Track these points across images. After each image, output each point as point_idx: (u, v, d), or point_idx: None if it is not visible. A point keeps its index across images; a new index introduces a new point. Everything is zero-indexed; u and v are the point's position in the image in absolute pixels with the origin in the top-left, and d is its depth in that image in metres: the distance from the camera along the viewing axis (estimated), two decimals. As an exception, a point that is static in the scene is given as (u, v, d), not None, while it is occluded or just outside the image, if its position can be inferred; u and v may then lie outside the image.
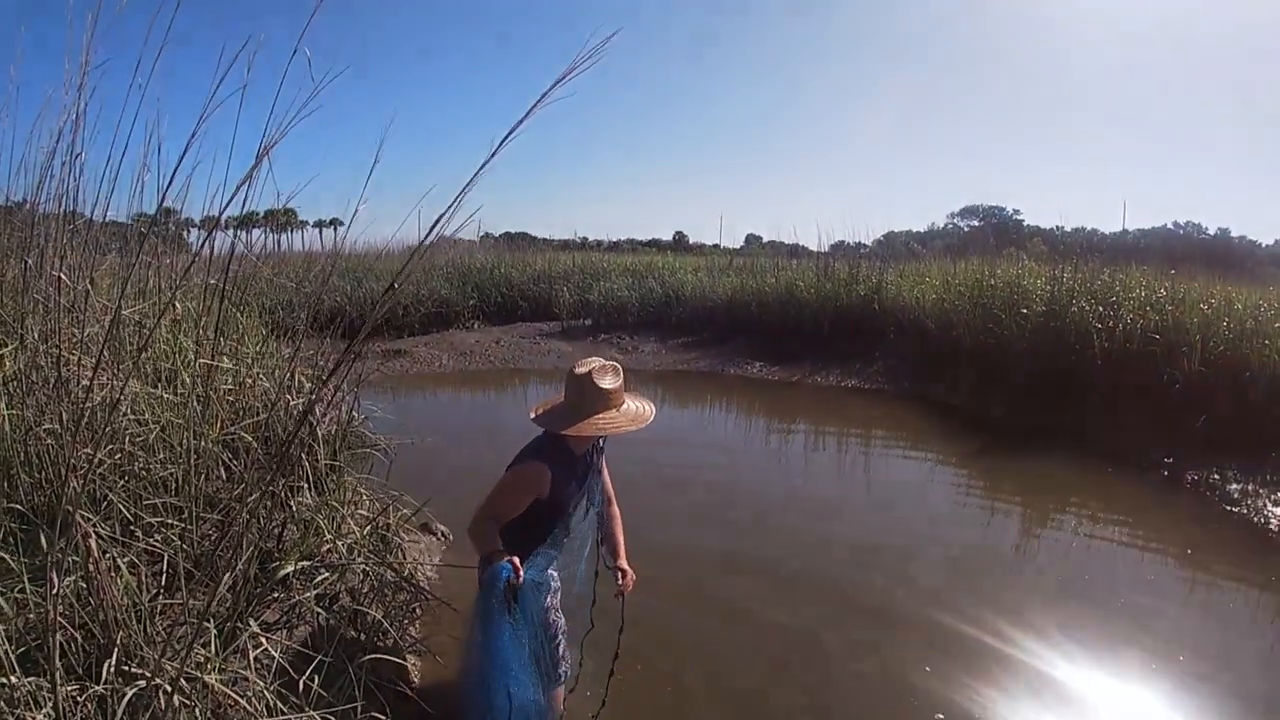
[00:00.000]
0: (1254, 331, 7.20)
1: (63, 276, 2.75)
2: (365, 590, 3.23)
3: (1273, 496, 5.91)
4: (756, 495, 6.18)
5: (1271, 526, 5.53)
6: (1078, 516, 5.86)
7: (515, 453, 2.79)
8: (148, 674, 2.03)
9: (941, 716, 3.26)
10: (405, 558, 4.10)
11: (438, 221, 2.21)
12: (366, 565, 3.31)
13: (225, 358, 3.42)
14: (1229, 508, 5.88)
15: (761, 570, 4.65)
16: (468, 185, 2.12)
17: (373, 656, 2.78)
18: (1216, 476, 6.35)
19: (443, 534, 5.02)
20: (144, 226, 3.60)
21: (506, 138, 2.11)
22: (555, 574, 2.90)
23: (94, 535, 2.07)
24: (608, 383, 2.79)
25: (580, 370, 2.81)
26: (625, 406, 2.84)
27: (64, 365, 2.61)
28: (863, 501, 6.22)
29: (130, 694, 1.98)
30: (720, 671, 3.57)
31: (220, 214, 2.87)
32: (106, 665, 2.06)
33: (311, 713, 2.30)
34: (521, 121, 2.11)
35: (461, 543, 4.94)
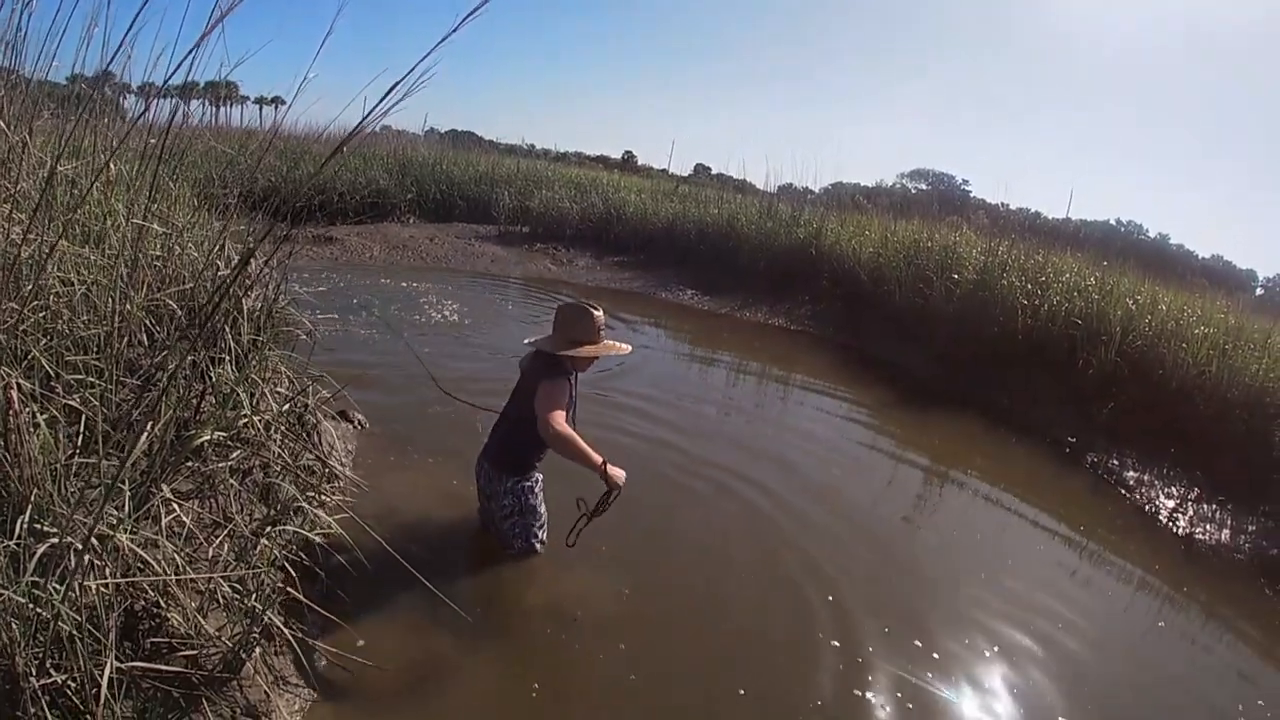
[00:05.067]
0: (1173, 333, 7.43)
1: (1, 125, 2.68)
2: (279, 467, 3.28)
3: (1165, 489, 6.23)
4: (663, 422, 6.17)
5: (1160, 516, 5.85)
6: (977, 479, 6.07)
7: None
8: (60, 532, 2.06)
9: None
10: (321, 440, 4.16)
11: (380, 101, 2.19)
12: (282, 442, 3.36)
13: (156, 223, 3.38)
14: (1123, 492, 6.20)
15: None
16: (416, 65, 2.10)
17: (282, 529, 2.86)
18: (1115, 462, 6.63)
19: (360, 422, 5.06)
20: (85, 86, 3.50)
21: (468, 16, 2.08)
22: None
23: (16, 387, 2.08)
24: (599, 322, 3.61)
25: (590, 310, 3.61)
26: (606, 342, 3.67)
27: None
28: (771, 438, 6.35)
29: (41, 550, 2.01)
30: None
31: (166, 79, 2.80)
32: (20, 521, 2.07)
33: (219, 578, 2.37)
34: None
35: (378, 433, 5.02)
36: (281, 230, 3.40)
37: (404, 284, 10.08)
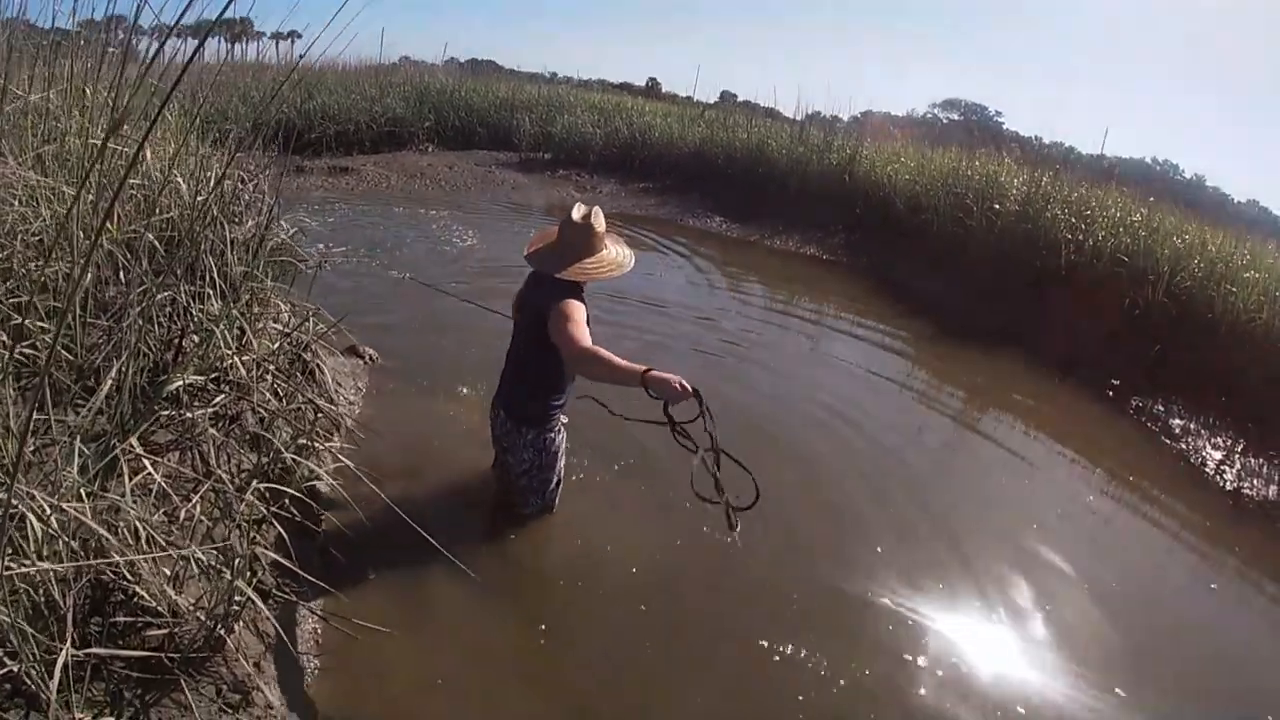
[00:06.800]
0: (1223, 276, 6.98)
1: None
2: (269, 412, 3.00)
3: (1212, 439, 5.87)
4: (687, 354, 5.95)
5: (1207, 468, 5.50)
6: (1015, 418, 5.79)
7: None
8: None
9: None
10: (328, 379, 3.89)
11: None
12: (272, 384, 3.08)
13: (124, 145, 3.06)
14: (1167, 440, 5.85)
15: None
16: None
17: (270, 487, 2.59)
18: (1160, 408, 6.29)
19: (370, 357, 4.81)
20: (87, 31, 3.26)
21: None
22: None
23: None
24: (599, 230, 3.10)
25: (577, 216, 3.08)
26: (607, 251, 3.14)
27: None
28: (800, 373, 6.08)
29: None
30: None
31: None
32: None
33: (194, 548, 2.09)
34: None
35: (390, 368, 4.77)
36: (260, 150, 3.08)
37: (421, 211, 9.82)
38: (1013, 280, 8.17)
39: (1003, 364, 6.87)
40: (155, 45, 4.06)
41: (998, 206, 8.85)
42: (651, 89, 40.11)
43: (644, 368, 2.73)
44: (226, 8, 1.45)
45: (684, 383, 2.75)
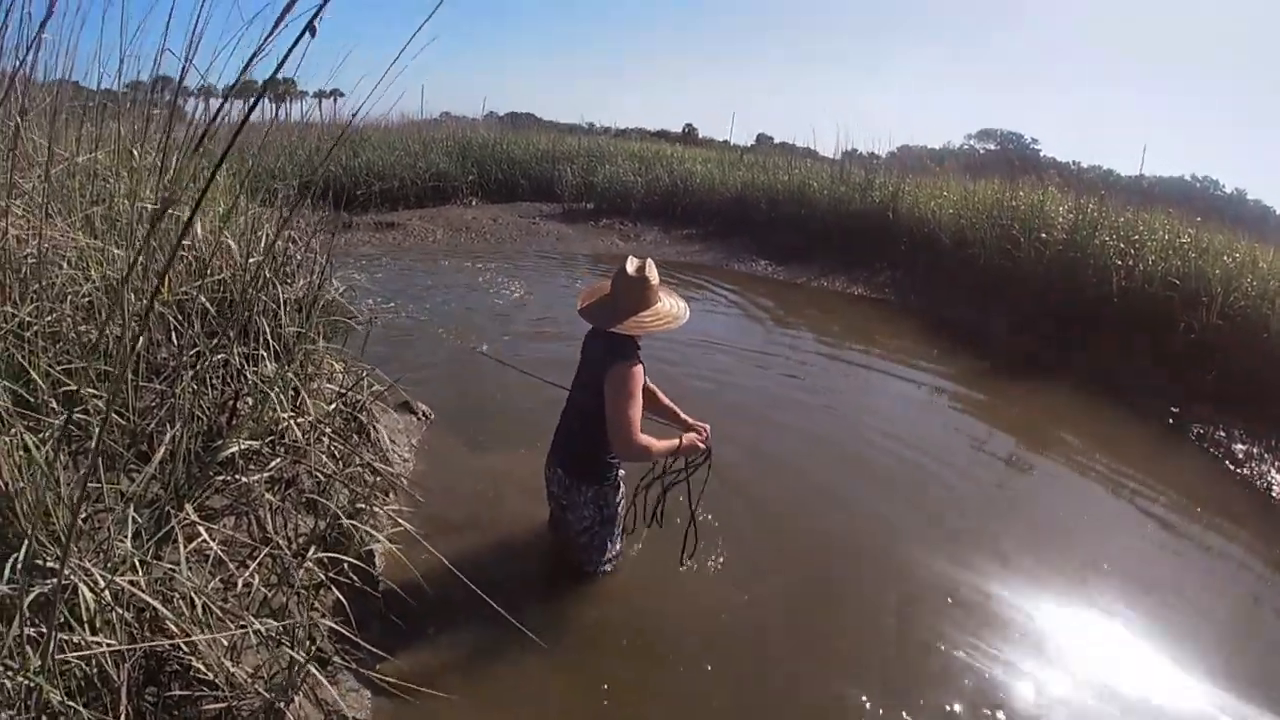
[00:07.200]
0: (1277, 293, 6.78)
1: (18, 120, 2.41)
2: (325, 475, 2.95)
3: (1277, 463, 5.62)
4: (745, 397, 5.92)
5: (1274, 493, 5.27)
6: (1073, 454, 5.60)
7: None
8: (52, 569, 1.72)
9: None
10: (382, 437, 3.84)
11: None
12: (328, 446, 3.03)
13: (185, 208, 3.07)
14: (1233, 467, 5.62)
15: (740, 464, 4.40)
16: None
17: (329, 556, 2.52)
18: (1223, 434, 6.06)
19: (424, 414, 4.76)
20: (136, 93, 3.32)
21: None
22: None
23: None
24: (653, 283, 3.05)
25: (631, 269, 3.03)
26: (662, 304, 3.08)
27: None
28: (852, 413, 5.91)
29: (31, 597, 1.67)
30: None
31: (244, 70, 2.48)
32: (13, 561, 1.74)
33: (251, 618, 2.02)
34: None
35: (444, 424, 4.72)
36: (309, 208, 3.07)
37: (466, 265, 9.86)
38: (1063, 311, 8.01)
39: (1057, 398, 6.72)
40: (201, 106, 4.15)
41: (1045, 236, 8.73)
42: (689, 135, 40.37)
43: (677, 442, 3.14)
44: (277, 70, 1.41)
45: (702, 442, 3.28)
